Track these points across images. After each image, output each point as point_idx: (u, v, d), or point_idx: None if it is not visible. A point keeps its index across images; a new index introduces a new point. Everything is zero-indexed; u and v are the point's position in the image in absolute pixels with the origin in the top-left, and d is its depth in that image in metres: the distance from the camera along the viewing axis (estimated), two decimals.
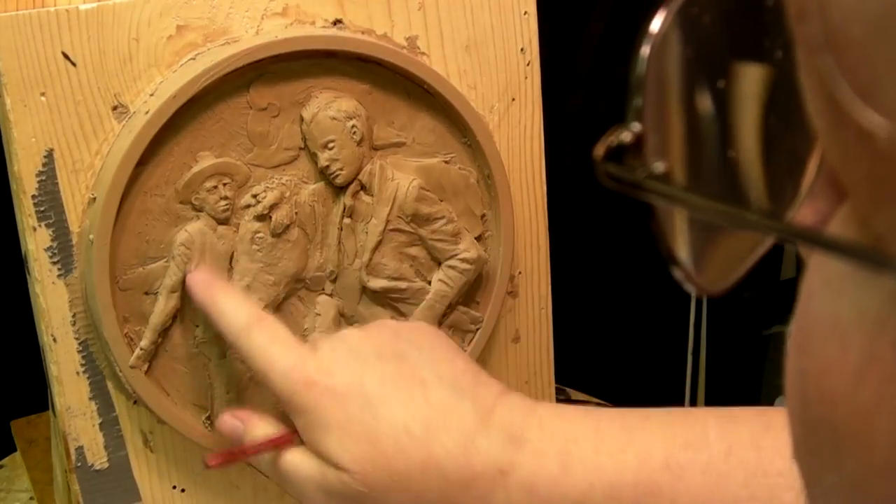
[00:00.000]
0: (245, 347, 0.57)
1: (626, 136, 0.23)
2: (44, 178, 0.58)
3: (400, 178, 0.65)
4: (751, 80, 0.24)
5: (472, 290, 0.68)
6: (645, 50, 0.24)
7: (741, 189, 0.24)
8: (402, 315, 0.66)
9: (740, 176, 0.24)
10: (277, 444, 0.56)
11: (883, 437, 0.18)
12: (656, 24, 0.24)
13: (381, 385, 0.55)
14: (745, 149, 0.24)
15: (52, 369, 0.60)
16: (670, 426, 0.54)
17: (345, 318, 0.65)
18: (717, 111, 0.24)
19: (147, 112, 0.58)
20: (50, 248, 0.59)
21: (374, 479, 0.53)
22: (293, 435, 0.56)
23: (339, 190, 0.64)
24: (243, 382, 0.64)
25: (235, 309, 0.58)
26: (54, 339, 0.60)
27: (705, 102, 0.24)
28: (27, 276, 0.61)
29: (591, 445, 0.53)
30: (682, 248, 0.24)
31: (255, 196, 0.62)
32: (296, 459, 0.56)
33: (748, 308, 1.51)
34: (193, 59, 0.60)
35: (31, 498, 0.86)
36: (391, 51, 0.62)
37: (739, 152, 0.24)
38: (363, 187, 0.64)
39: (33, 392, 0.78)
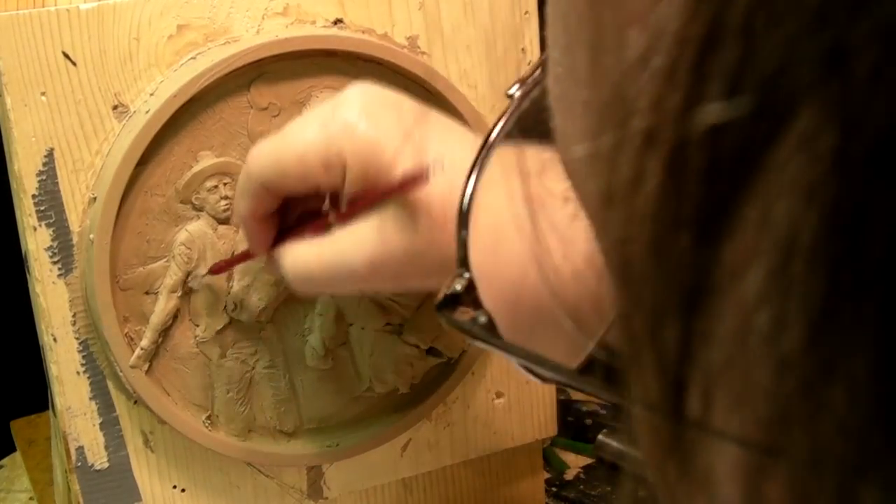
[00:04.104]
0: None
1: (458, 285, 0.25)
2: (44, 177, 0.58)
3: None
4: None
5: None
6: (469, 187, 0.27)
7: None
8: (401, 316, 0.66)
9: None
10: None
11: None
12: (478, 164, 0.27)
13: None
14: None
15: (52, 369, 0.60)
16: None
17: (345, 318, 0.65)
18: None
19: (147, 111, 0.58)
20: (50, 247, 0.59)
21: None
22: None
23: None
24: (243, 382, 0.64)
25: None
26: (54, 339, 0.60)
27: None
28: (27, 275, 0.61)
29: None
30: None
31: None
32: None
33: None
34: (194, 58, 0.60)
35: (31, 498, 0.86)
36: (392, 50, 0.62)
37: None
38: None
39: (33, 392, 0.78)
